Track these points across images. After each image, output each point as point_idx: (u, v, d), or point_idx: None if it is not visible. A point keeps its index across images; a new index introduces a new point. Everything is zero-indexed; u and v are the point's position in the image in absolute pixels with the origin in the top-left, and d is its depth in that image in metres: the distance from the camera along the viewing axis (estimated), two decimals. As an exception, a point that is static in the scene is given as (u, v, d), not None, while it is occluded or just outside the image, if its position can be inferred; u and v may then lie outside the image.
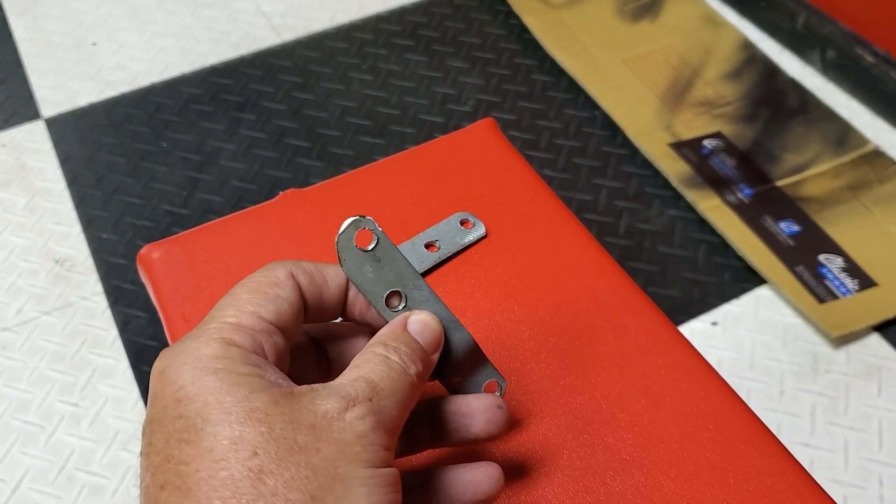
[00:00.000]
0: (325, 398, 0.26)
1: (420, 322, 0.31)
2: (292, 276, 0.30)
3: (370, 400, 0.27)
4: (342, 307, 0.32)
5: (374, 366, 0.28)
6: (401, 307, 0.31)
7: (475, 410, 0.33)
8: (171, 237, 0.49)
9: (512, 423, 0.39)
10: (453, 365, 0.33)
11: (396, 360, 0.29)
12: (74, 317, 1.04)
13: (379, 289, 0.31)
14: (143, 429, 0.26)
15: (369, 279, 0.30)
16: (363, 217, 0.30)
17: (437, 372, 0.33)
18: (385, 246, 0.30)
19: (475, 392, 0.34)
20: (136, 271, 1.08)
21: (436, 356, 0.31)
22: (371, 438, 0.26)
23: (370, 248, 0.30)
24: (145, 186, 1.20)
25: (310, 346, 0.33)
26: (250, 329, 0.28)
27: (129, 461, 0.91)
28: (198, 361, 0.26)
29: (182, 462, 0.24)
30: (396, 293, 0.31)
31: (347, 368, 0.29)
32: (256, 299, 0.28)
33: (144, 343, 1.01)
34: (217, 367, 0.26)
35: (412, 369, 0.29)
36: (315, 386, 0.27)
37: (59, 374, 0.98)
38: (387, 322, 0.31)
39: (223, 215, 0.50)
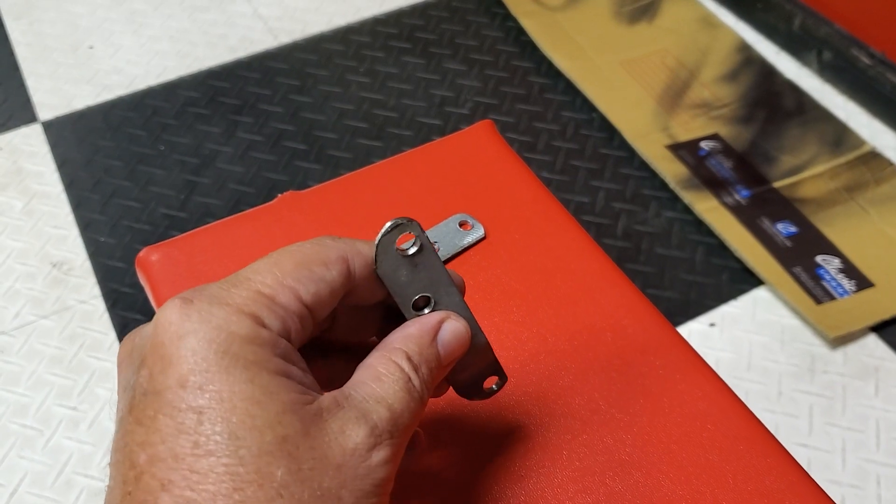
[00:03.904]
0: (354, 428, 0.25)
1: (452, 332, 0.30)
2: (345, 259, 0.27)
3: (392, 436, 0.26)
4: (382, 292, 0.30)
5: (397, 390, 0.27)
6: (426, 311, 0.31)
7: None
8: (170, 240, 0.49)
9: (511, 425, 0.39)
10: (464, 365, 0.33)
11: (418, 386, 0.28)
12: (72, 320, 1.04)
13: (410, 291, 0.30)
14: (143, 393, 0.24)
15: (402, 282, 0.30)
16: (410, 221, 0.28)
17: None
18: (427, 252, 0.30)
19: (477, 384, 0.34)
20: (133, 274, 1.08)
21: (448, 368, 0.31)
22: (387, 486, 0.26)
23: (410, 252, 0.29)
24: (143, 190, 1.20)
25: None
26: (283, 308, 0.25)
27: (128, 465, 0.91)
28: (227, 342, 0.24)
29: (195, 471, 0.23)
30: (425, 297, 0.31)
31: (364, 373, 0.27)
32: (300, 275, 0.26)
33: (142, 346, 1.01)
34: (248, 358, 0.24)
35: (426, 396, 0.28)
36: (339, 401, 0.26)
37: (58, 378, 0.98)
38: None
39: (221, 218, 0.50)
